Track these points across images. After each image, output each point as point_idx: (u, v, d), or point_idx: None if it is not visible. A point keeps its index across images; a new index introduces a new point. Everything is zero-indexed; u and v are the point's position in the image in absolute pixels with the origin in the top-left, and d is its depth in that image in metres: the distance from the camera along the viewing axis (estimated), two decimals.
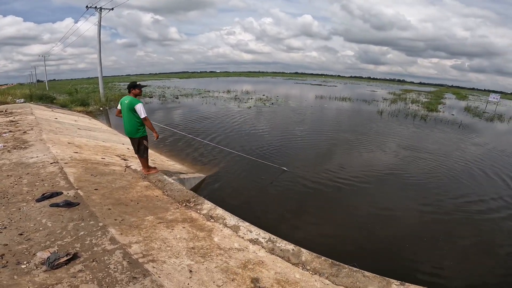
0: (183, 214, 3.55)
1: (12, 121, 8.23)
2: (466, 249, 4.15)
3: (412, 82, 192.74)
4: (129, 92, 4.18)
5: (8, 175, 3.87)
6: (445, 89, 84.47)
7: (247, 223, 3.41)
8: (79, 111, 15.55)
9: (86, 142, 7.00)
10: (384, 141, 10.33)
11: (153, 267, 2.33)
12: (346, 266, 2.72)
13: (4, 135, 6.19)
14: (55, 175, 3.97)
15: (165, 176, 4.73)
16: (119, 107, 4.33)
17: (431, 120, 15.99)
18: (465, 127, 14.37)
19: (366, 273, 2.62)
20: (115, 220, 3.05)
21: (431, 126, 14.09)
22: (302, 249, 2.96)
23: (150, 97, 24.15)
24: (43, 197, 3.27)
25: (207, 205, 3.80)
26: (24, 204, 3.14)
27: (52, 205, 3.12)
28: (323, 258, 2.83)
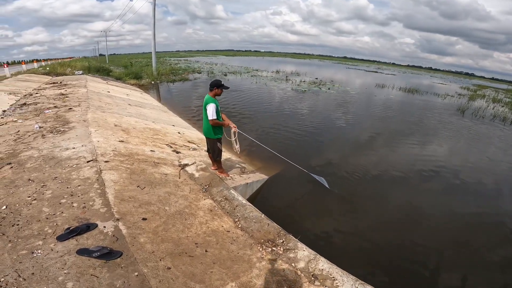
0: (274, 272, 2.27)
1: (62, 94, 7.58)
2: None
3: (482, 77, 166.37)
4: (210, 90, 3.65)
5: (29, 179, 2.75)
6: None
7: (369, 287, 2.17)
8: (132, 84, 15.36)
9: (135, 123, 6.09)
10: (494, 156, 7.82)
11: None
12: None
13: (47, 111, 5.35)
14: (89, 186, 2.77)
15: (231, 191, 3.47)
16: None
17: None
18: None
19: None
20: None
21: None
22: None
23: (199, 73, 24.14)
24: (69, 233, 2.06)
25: (303, 252, 2.50)
26: (40, 243, 1.96)
27: (80, 252, 1.89)
28: None
